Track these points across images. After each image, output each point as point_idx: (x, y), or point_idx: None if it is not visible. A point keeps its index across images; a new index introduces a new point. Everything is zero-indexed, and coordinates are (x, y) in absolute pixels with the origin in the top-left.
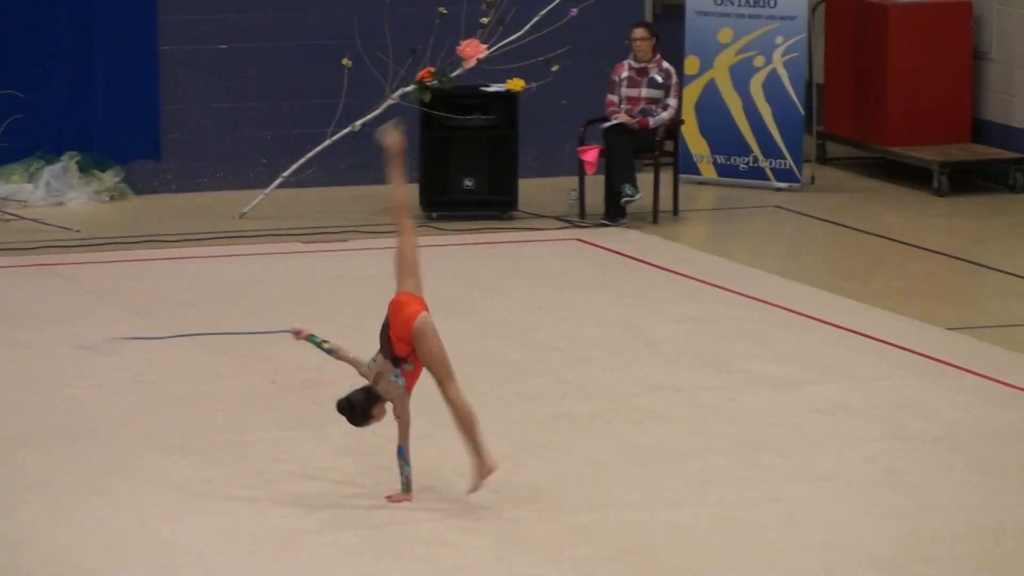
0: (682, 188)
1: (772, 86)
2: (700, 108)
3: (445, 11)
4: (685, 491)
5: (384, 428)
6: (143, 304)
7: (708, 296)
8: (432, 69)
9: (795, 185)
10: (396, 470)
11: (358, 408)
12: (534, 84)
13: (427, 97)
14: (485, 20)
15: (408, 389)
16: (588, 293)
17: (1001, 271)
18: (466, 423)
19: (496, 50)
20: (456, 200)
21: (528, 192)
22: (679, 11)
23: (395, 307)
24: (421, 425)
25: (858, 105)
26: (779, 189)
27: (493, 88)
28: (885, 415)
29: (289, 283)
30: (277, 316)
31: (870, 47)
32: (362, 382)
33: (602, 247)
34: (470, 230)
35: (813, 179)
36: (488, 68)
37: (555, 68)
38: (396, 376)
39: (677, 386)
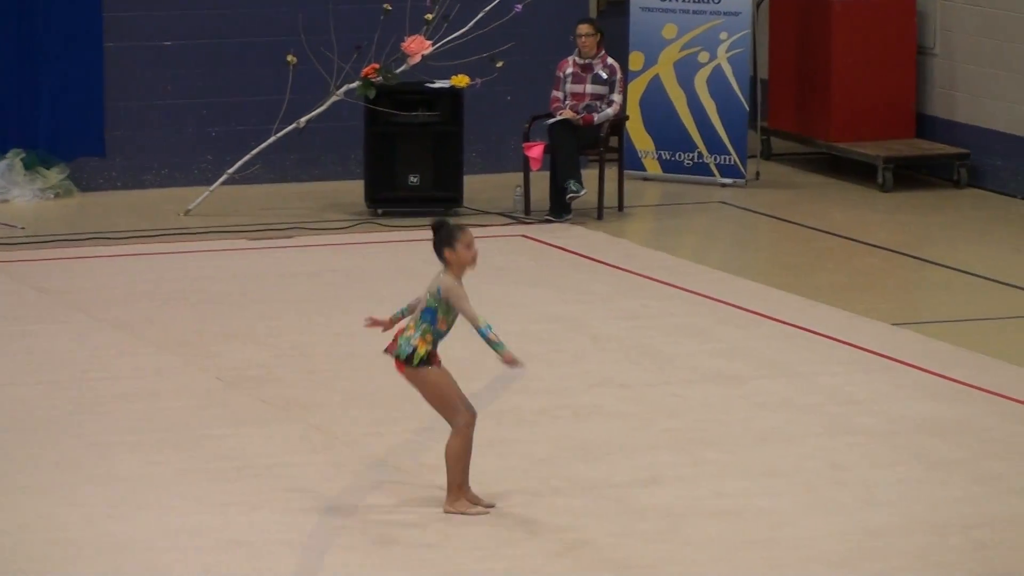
0: (627, 184)
1: (716, 82)
2: (645, 104)
3: (390, 7)
4: (631, 487)
5: (332, 425)
6: (88, 302)
7: (653, 292)
8: (377, 65)
9: (740, 181)
10: (339, 466)
11: (445, 230)
12: (479, 80)
13: (372, 93)
14: (430, 16)
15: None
16: (533, 289)
17: (945, 266)
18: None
19: (441, 46)
20: (401, 196)
21: (473, 188)
22: (623, 7)
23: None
24: (367, 421)
25: (802, 101)
26: (724, 185)
27: (438, 84)
28: (830, 410)
29: (235, 280)
30: (224, 312)
31: (814, 43)
32: None
33: (547, 243)
34: (415, 226)
35: (758, 175)
36: (433, 64)
37: (500, 64)
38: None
39: (622, 382)
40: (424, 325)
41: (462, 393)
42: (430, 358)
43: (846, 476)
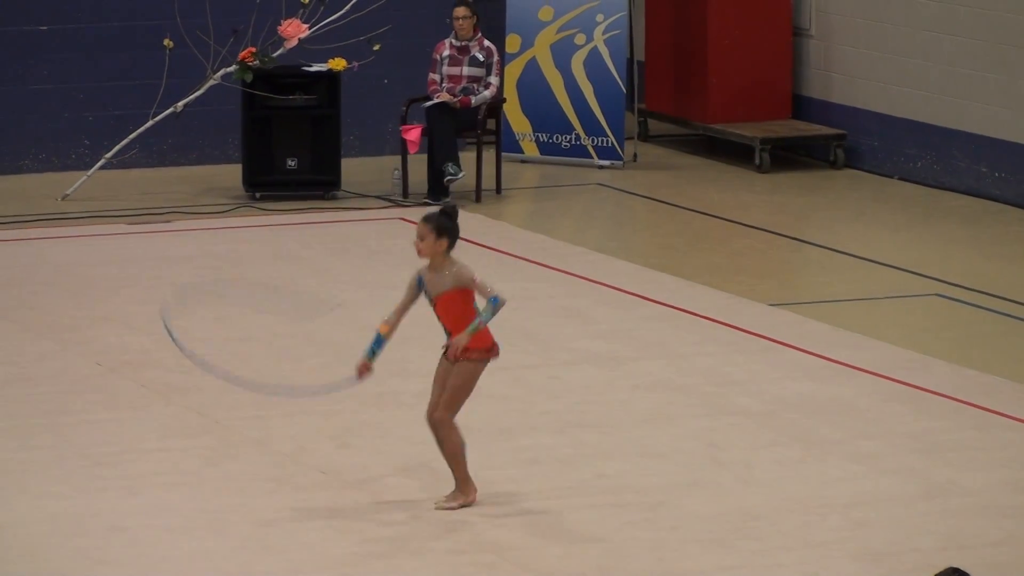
0: (505, 166)
1: (593, 64)
2: (522, 86)
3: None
4: (511, 469)
5: (211, 409)
6: None
7: (531, 274)
8: (254, 49)
9: (617, 163)
10: (218, 450)
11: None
12: (356, 63)
13: (249, 77)
14: (306, 0)
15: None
16: (411, 272)
17: (822, 247)
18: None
19: (317, 30)
20: (279, 180)
21: (351, 171)
22: None
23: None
24: (246, 405)
25: (679, 82)
26: (601, 167)
27: (315, 68)
28: (708, 391)
29: (113, 264)
30: (102, 297)
31: (690, 24)
32: None
33: None
34: (293, 210)
35: (635, 156)
36: (310, 48)
37: (377, 47)
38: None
39: (501, 365)
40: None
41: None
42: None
43: (724, 456)
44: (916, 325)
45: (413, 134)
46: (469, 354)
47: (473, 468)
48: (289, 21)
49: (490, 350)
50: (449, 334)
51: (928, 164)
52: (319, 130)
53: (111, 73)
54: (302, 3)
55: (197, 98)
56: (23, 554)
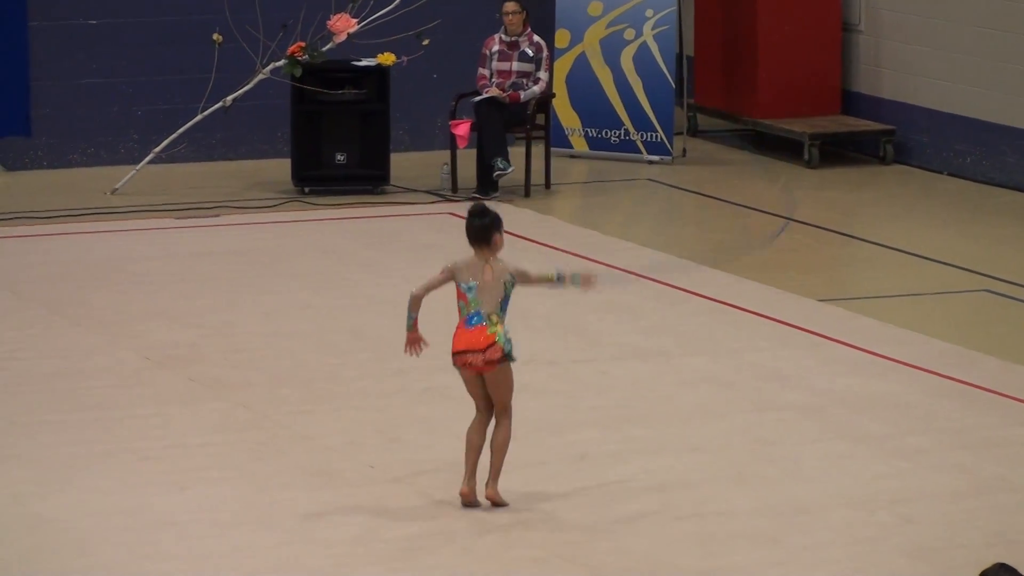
0: (554, 161)
1: (643, 59)
2: (571, 81)
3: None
4: (559, 464)
5: (259, 404)
6: (14, 281)
7: (580, 269)
8: (303, 44)
9: (666, 158)
10: (266, 445)
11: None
12: (405, 58)
13: (298, 72)
14: None
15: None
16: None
17: (871, 242)
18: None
19: (367, 24)
20: (328, 175)
21: (400, 166)
22: None
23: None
24: (294, 400)
25: (729, 78)
26: (651, 162)
27: (364, 62)
28: (755, 386)
29: (161, 259)
30: (150, 291)
31: (740, 19)
32: None
33: None
34: (342, 204)
35: (684, 152)
36: (359, 42)
37: (426, 42)
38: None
39: (550, 359)
40: (504, 316)
41: None
42: None
43: (772, 451)
44: (964, 321)
45: (462, 129)
46: None
47: (521, 463)
48: (338, 16)
49: (453, 355)
50: None
51: (977, 160)
52: (368, 125)
53: (160, 67)
54: None
55: (246, 92)
56: (71, 548)
